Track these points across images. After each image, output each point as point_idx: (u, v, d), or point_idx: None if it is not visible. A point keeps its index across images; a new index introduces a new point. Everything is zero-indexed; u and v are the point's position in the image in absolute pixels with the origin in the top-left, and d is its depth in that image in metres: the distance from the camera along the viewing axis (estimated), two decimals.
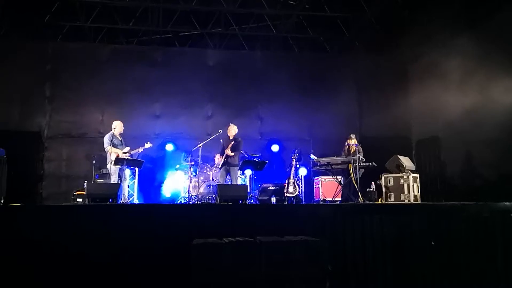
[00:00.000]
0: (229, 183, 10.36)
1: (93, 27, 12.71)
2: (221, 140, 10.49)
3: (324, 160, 10.28)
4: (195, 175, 11.42)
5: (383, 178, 10.06)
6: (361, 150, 10.13)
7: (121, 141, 10.23)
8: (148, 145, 10.40)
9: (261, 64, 13.25)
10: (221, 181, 10.29)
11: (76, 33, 12.67)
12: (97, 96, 12.52)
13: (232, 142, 10.38)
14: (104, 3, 12.18)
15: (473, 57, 10.24)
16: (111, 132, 10.18)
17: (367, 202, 9.53)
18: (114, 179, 9.90)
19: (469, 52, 10.24)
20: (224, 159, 10.29)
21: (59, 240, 6.46)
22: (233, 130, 10.48)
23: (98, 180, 10.80)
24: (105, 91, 12.51)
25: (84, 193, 10.19)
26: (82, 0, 12.05)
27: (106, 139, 10.10)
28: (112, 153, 9.99)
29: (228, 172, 10.36)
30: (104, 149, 10.12)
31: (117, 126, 10.17)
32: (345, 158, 10.12)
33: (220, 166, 10.36)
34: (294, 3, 12.73)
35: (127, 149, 10.16)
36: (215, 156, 10.78)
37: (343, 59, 13.48)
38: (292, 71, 13.09)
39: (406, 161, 10.26)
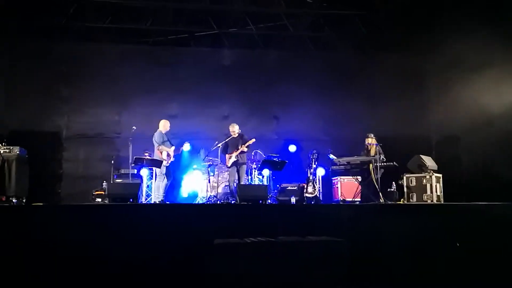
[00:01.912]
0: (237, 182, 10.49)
1: (108, 28, 12.74)
2: (216, 144, 10.60)
3: (343, 160, 10.27)
4: (213, 175, 11.46)
5: (405, 178, 10.02)
6: (381, 151, 10.09)
7: (168, 140, 10.55)
8: (186, 146, 10.81)
9: (277, 63, 13.21)
10: (231, 181, 10.42)
11: (92, 34, 12.68)
12: (113, 97, 12.60)
13: (240, 139, 10.60)
14: (118, 3, 12.24)
15: (493, 54, 10.14)
16: (159, 130, 10.57)
17: (389, 202, 9.50)
18: (160, 179, 10.34)
19: (490, 49, 10.15)
20: (235, 158, 10.38)
21: (81, 238, 6.54)
22: (236, 128, 10.66)
23: (117, 180, 10.96)
24: (121, 91, 12.57)
25: (103, 193, 10.39)
26: (99, 1, 12.12)
27: (157, 137, 10.47)
28: (163, 151, 10.33)
29: (237, 171, 10.50)
30: (153, 146, 10.54)
31: (165, 124, 10.60)
32: (365, 157, 10.11)
33: (229, 165, 10.40)
34: (311, 1, 12.69)
35: (173, 148, 10.49)
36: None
37: (360, 57, 13.37)
38: (309, 70, 13.06)
39: (428, 161, 10.21)
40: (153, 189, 10.66)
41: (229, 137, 10.66)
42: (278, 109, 13.28)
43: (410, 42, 12.54)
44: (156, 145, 10.38)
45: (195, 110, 12.79)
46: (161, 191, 10.33)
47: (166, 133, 10.60)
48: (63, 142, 12.37)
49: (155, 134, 10.55)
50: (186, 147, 12.34)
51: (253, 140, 10.53)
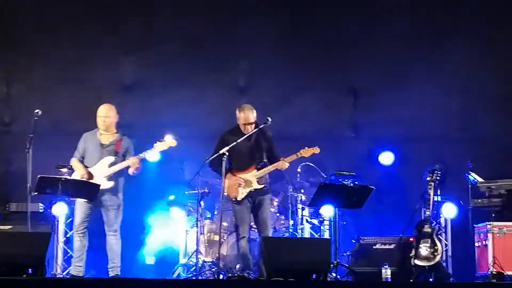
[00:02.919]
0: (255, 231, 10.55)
1: None
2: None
3: (500, 184, 10.09)
4: (211, 218, 11.47)
5: None
6: None
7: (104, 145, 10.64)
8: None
9: None
10: (243, 230, 10.33)
11: None
12: None
13: (263, 139, 10.43)
14: None
15: None
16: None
17: None
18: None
19: None
20: (259, 185, 10.29)
21: None
22: (252, 115, 10.38)
23: (2, 227, 10.96)
24: (13, 32, 12.77)
25: None
26: None
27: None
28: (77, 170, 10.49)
29: (256, 211, 10.44)
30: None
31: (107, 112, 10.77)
32: None
33: (240, 198, 10.27)
34: None
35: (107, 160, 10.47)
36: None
37: None
38: None
39: None
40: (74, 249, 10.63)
41: (238, 133, 10.46)
42: (358, 77, 13.32)
43: None
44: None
45: (174, 75, 12.97)
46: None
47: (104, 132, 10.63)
48: None
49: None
50: (152, 155, 12.30)
51: (315, 149, 10.35)
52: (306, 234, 11.69)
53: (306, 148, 10.23)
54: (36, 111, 10.36)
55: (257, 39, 12.98)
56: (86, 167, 10.30)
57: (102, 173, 10.19)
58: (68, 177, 10.21)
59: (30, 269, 8.30)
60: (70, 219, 11.17)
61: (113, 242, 10.32)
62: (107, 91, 12.32)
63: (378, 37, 13.12)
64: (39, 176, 9.94)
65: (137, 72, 12.95)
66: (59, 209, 11.19)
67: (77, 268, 10.26)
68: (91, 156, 10.41)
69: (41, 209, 11.04)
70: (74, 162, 10.44)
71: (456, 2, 13.04)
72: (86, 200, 10.25)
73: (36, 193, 10.20)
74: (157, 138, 11.51)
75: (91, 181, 10.23)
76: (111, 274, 10.22)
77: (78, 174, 10.27)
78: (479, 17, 12.92)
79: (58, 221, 11.36)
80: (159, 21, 12.92)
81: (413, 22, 13.00)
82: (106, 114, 10.50)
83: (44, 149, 10.75)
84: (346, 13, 13.11)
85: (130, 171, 10.24)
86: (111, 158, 10.27)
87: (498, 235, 11.11)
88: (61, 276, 10.89)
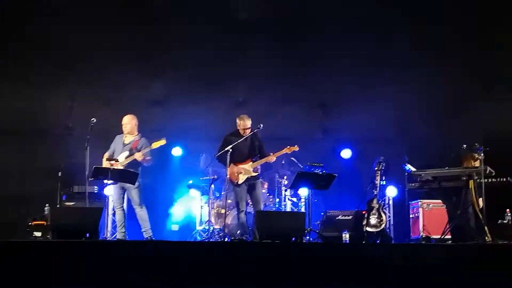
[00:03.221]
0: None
1: None
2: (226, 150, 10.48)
3: (428, 173, 10.18)
4: (219, 197, 11.50)
5: None
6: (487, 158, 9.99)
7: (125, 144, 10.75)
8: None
9: (324, 19, 13.08)
10: (242, 207, 10.45)
11: None
12: (64, 71, 12.64)
13: (256, 140, 10.58)
14: None
15: None
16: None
17: (500, 242, 9.37)
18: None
19: None
20: (254, 172, 10.46)
21: None
22: (249, 123, 10.54)
23: (67, 203, 11.05)
24: (75, 61, 12.63)
25: (45, 223, 10.42)
26: None
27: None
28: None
29: (251, 191, 10.55)
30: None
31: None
32: (462, 170, 9.99)
33: (241, 182, 10.38)
34: None
35: (124, 154, 10.54)
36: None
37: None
38: (374, 30, 12.99)
39: None
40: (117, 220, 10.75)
41: (237, 135, 10.55)
42: (326, 92, 13.31)
43: None
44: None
45: (192, 92, 12.86)
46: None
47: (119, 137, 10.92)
48: None
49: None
50: (177, 151, 12.44)
51: (295, 148, 10.47)
52: (288, 208, 11.75)
53: (289, 146, 10.40)
54: (92, 119, 10.49)
55: (252, 67, 12.90)
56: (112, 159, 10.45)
57: (120, 163, 10.31)
58: (115, 167, 10.33)
59: (87, 234, 8.41)
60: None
61: (141, 214, 10.39)
62: (141, 106, 12.35)
63: (343, 65, 12.96)
64: (94, 166, 10.07)
65: (163, 91, 12.91)
66: (108, 190, 11.16)
67: (121, 233, 10.42)
68: (117, 152, 10.56)
69: (95, 190, 11.09)
70: (104, 155, 10.59)
71: (402, 41, 12.96)
72: (121, 184, 10.41)
73: (92, 179, 10.27)
74: (179, 139, 11.81)
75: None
76: (145, 236, 10.32)
77: (103, 163, 10.42)
78: (413, 52, 12.92)
79: (108, 199, 11.39)
80: (179, 52, 12.82)
81: (370, 55, 12.95)
82: (126, 122, 10.68)
83: (97, 147, 10.62)
84: (320, 47, 13.05)
85: (143, 161, 10.31)
86: (127, 153, 10.41)
87: (426, 209, 11.38)
88: (110, 239, 10.96)
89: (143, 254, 7.43)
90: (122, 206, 10.56)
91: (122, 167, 10.28)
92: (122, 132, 10.75)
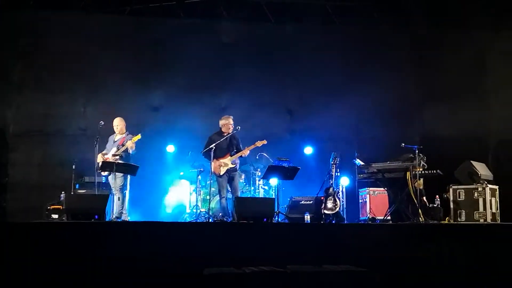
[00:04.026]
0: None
1: None
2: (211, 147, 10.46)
3: (374, 166, 10.27)
4: (205, 185, 11.51)
5: (451, 190, 10.02)
6: (422, 155, 10.07)
7: (115, 141, 10.68)
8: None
9: (291, 41, 13.24)
10: (223, 194, 10.50)
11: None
12: (79, 82, 12.65)
13: (234, 139, 10.63)
14: None
15: None
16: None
17: (430, 222, 9.49)
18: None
19: None
20: (232, 164, 10.45)
21: (30, 269, 6.56)
22: (231, 122, 10.61)
23: (79, 191, 11.01)
24: (88, 74, 12.62)
25: (61, 207, 10.40)
26: None
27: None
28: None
29: (230, 181, 10.57)
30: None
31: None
32: (401, 164, 10.08)
33: (222, 173, 10.41)
34: None
35: (113, 150, 10.47)
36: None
37: (399, 34, 13.36)
38: (332, 50, 13.12)
39: (481, 169, 10.18)
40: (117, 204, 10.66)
41: (220, 134, 10.56)
42: (292, 100, 13.39)
43: (468, 15, 12.32)
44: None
45: (183, 100, 12.85)
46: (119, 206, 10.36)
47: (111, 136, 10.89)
48: (9, 141, 12.39)
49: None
50: (170, 148, 12.45)
51: (264, 142, 10.51)
52: (261, 195, 11.74)
53: (258, 141, 10.44)
54: (100, 122, 10.48)
55: (233, 79, 12.98)
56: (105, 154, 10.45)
57: (110, 157, 10.29)
58: (120, 161, 10.29)
59: (96, 216, 8.44)
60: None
61: (120, 197, 10.31)
62: (141, 111, 12.48)
63: (307, 76, 13.13)
64: (102, 161, 10.15)
65: (161, 100, 12.92)
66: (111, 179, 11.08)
67: (124, 215, 10.34)
68: (108, 149, 10.53)
69: (103, 180, 10.94)
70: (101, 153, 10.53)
71: (354, 52, 13.12)
72: (125, 174, 10.38)
73: (100, 171, 10.33)
74: (174, 138, 11.84)
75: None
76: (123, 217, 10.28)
77: (98, 158, 10.38)
78: (365, 62, 13.05)
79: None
80: (174, 67, 12.78)
81: (328, 66, 13.04)
82: (118, 123, 10.71)
83: (104, 145, 10.68)
84: (287, 63, 13.18)
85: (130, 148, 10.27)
86: (115, 149, 10.37)
87: (372, 195, 11.46)
88: (115, 220, 10.89)
89: (141, 233, 7.43)
90: (121, 191, 10.42)
91: (115, 160, 10.24)
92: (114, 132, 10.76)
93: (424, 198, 10.18)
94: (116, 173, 10.21)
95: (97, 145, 10.35)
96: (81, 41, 12.57)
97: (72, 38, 12.55)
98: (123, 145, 10.39)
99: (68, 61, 12.54)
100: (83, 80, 12.65)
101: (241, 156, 10.55)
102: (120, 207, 10.26)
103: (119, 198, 10.27)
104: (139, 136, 10.30)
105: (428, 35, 13.13)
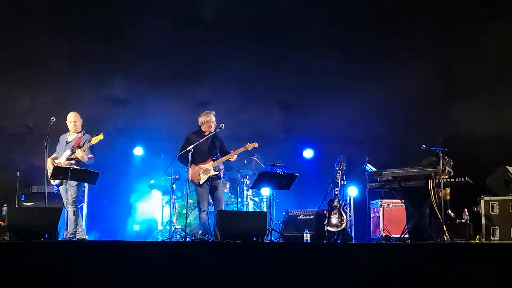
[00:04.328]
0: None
1: None
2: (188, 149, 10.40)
3: (388, 173, 10.25)
4: (181, 197, 11.49)
5: (483, 202, 10.00)
6: (448, 159, 10.09)
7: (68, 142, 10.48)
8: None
9: (288, 17, 13.20)
10: (203, 207, 10.41)
11: None
12: (23, 68, 12.58)
13: (216, 139, 10.57)
14: None
15: None
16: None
17: (458, 241, 9.49)
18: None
19: None
20: (214, 171, 10.42)
21: None
22: (213, 119, 10.51)
23: (26, 204, 10.96)
24: (35, 59, 12.56)
25: (3, 224, 10.34)
26: None
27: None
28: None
29: (213, 191, 10.51)
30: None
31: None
32: (422, 170, 10.08)
33: (202, 182, 10.37)
34: None
35: (66, 153, 10.29)
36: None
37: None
38: (340, 26, 13.08)
39: None
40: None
41: (200, 133, 10.52)
42: (288, 93, 13.43)
43: None
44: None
45: (154, 92, 12.85)
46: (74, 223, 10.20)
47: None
48: None
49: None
50: (138, 151, 12.43)
51: (255, 144, 10.47)
52: (250, 208, 11.78)
53: (248, 143, 10.38)
54: (52, 118, 10.40)
55: (215, 67, 12.97)
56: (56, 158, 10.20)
57: (62, 162, 10.07)
58: (76, 167, 10.21)
59: (46, 235, 8.32)
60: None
61: (75, 211, 10.07)
62: (103, 105, 12.49)
63: (306, 65, 13.15)
64: (54, 166, 9.97)
65: (126, 91, 12.91)
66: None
67: (80, 233, 10.17)
68: (60, 151, 10.30)
69: (55, 190, 10.90)
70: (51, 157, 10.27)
71: (366, 42, 13.12)
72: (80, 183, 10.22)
73: (50, 179, 10.24)
74: (143, 138, 11.78)
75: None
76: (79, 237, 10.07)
77: (48, 163, 10.10)
78: (378, 52, 13.07)
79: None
80: (143, 52, 12.80)
81: (333, 55, 12.98)
82: (74, 119, 10.40)
83: (54, 147, 10.47)
84: (283, 48, 13.15)
85: (84, 160, 10.00)
86: (68, 152, 10.12)
87: (386, 208, 11.51)
88: (70, 239, 10.84)
89: (102, 255, 7.38)
90: (75, 205, 10.17)
91: (69, 166, 9.97)
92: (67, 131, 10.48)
93: (450, 211, 10.16)
94: (70, 182, 9.92)
95: (47, 147, 10.13)
96: (27, 23, 12.45)
97: (9, 13, 12.43)
98: (79, 146, 10.12)
99: (4, 41, 12.47)
100: (28, 66, 12.56)
101: (226, 161, 10.52)
102: (75, 223, 10.03)
103: (74, 212, 10.07)
104: (101, 136, 10.05)
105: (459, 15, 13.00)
